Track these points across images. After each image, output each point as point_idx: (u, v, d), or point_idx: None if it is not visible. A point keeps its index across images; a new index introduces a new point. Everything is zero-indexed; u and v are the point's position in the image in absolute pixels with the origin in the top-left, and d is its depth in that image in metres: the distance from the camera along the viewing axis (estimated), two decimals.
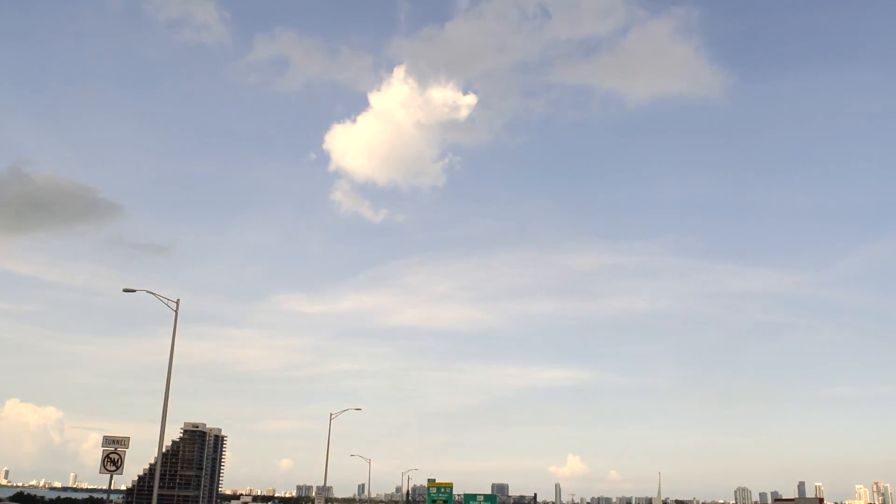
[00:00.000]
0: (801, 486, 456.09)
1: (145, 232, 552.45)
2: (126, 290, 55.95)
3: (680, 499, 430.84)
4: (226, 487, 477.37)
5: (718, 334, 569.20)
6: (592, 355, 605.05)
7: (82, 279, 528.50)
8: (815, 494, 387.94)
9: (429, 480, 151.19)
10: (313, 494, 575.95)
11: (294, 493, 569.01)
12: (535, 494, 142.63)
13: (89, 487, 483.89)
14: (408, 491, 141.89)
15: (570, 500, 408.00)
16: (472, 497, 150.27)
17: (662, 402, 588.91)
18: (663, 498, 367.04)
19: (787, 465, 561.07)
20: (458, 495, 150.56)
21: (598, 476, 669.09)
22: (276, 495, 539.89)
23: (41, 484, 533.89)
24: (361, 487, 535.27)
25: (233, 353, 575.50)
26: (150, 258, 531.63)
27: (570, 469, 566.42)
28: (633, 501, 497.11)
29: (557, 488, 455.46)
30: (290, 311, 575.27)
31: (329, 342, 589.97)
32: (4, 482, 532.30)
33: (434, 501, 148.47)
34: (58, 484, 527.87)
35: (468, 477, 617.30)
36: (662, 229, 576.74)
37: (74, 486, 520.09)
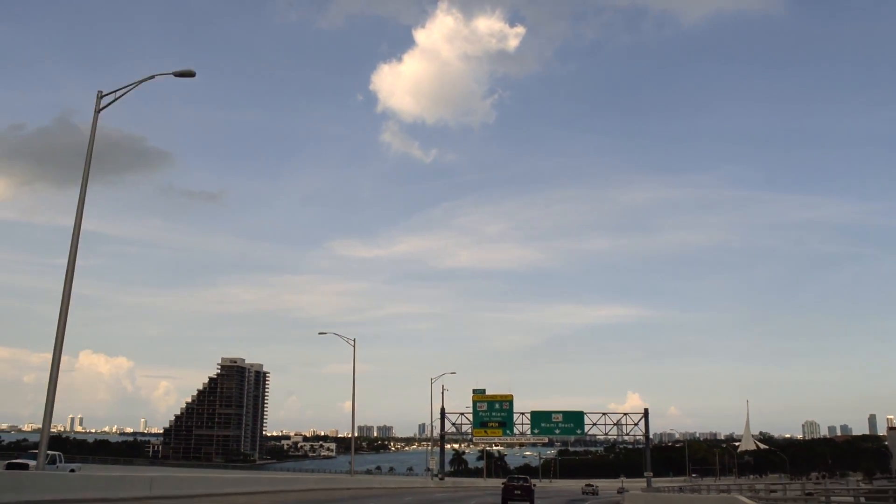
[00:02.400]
0: (872, 418, 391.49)
1: (196, 180, 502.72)
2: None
3: (740, 433, 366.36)
4: (290, 429, 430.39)
5: (780, 267, 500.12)
6: (650, 291, 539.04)
7: (141, 232, 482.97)
8: (887, 427, 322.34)
9: (475, 392, 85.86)
10: (374, 434, 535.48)
11: (357, 434, 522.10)
12: (647, 410, 72.99)
13: (157, 432, 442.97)
14: (442, 408, 74.99)
15: (633, 436, 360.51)
16: (545, 416, 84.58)
17: (723, 337, 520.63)
18: (751, 433, 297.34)
19: (855, 398, 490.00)
20: (522, 414, 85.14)
21: (658, 412, 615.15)
22: (338, 435, 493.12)
23: (113, 430, 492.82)
24: (422, 427, 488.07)
25: (291, 299, 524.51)
26: (203, 206, 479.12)
27: (630, 405, 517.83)
28: (697, 435, 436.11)
29: (619, 424, 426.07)
30: (345, 256, 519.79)
31: (385, 286, 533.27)
32: (80, 429, 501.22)
33: (484, 424, 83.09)
34: (129, 429, 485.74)
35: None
36: (719, 160, 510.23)
37: (144, 431, 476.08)
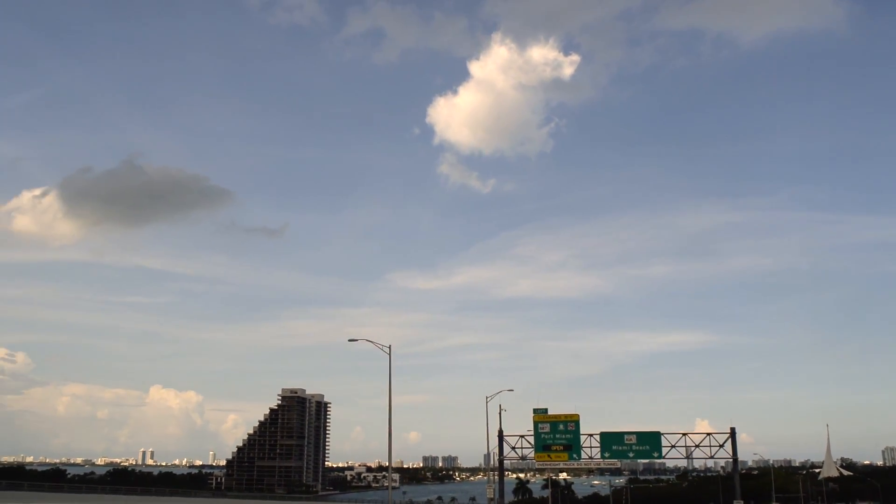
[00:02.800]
0: None
1: (257, 217, 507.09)
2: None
3: (816, 461, 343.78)
4: (355, 460, 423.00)
5: (850, 288, 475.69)
6: (715, 317, 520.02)
7: (207, 269, 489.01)
8: None
9: (536, 412, 75.94)
10: (440, 464, 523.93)
11: (420, 464, 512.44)
12: (734, 430, 61.23)
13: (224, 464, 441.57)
14: (499, 430, 64.86)
15: (703, 464, 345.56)
16: (617, 437, 74.03)
17: (793, 361, 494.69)
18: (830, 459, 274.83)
19: None
20: (590, 436, 74.77)
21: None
22: (403, 466, 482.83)
23: (183, 463, 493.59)
24: (487, 457, 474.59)
25: (353, 331, 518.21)
26: (264, 242, 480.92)
27: (701, 433, 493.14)
28: (771, 462, 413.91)
29: (689, 451, 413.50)
30: (406, 289, 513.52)
31: (445, 317, 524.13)
32: (151, 462, 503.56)
33: (548, 447, 72.91)
34: (198, 462, 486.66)
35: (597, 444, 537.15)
36: (783, 182, 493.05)
37: (212, 463, 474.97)
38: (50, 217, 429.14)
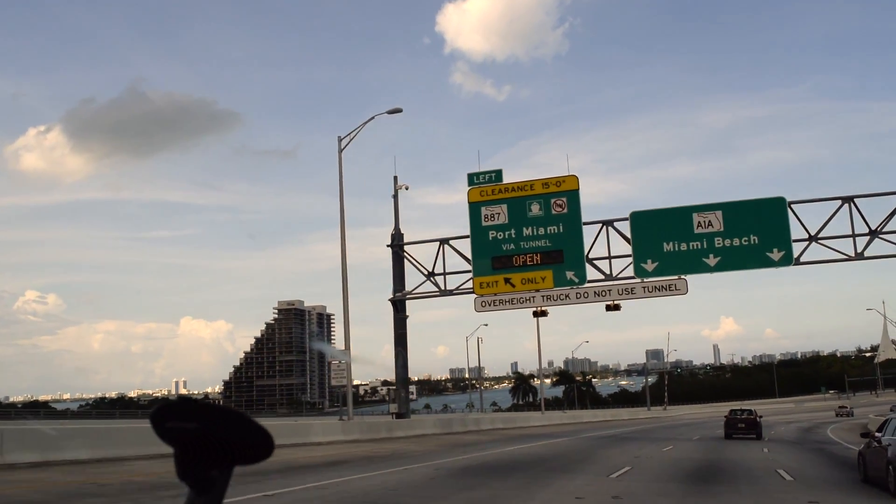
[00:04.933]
0: None
1: (269, 139, 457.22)
2: None
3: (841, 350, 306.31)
4: (384, 377, 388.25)
5: (877, 178, 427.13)
6: None
7: (228, 198, 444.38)
8: None
9: (473, 181, 27.71)
10: (467, 376, 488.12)
11: (447, 377, 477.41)
12: None
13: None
14: (395, 232, 14.50)
15: (731, 359, 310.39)
16: (677, 219, 25.21)
17: (822, 254, 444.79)
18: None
19: None
20: (607, 226, 26.25)
21: (753, 336, 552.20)
22: (430, 379, 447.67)
23: (216, 389, 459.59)
24: (515, 365, 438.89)
25: (376, 251, 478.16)
26: (278, 163, 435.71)
27: (724, 331, 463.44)
28: (799, 355, 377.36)
29: (716, 349, 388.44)
30: (427, 205, 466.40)
31: (469, 231, 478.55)
32: (184, 391, 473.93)
33: (507, 261, 25.33)
34: None
35: (621, 347, 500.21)
36: (807, 71, 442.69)
37: None
38: (58, 153, 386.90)
